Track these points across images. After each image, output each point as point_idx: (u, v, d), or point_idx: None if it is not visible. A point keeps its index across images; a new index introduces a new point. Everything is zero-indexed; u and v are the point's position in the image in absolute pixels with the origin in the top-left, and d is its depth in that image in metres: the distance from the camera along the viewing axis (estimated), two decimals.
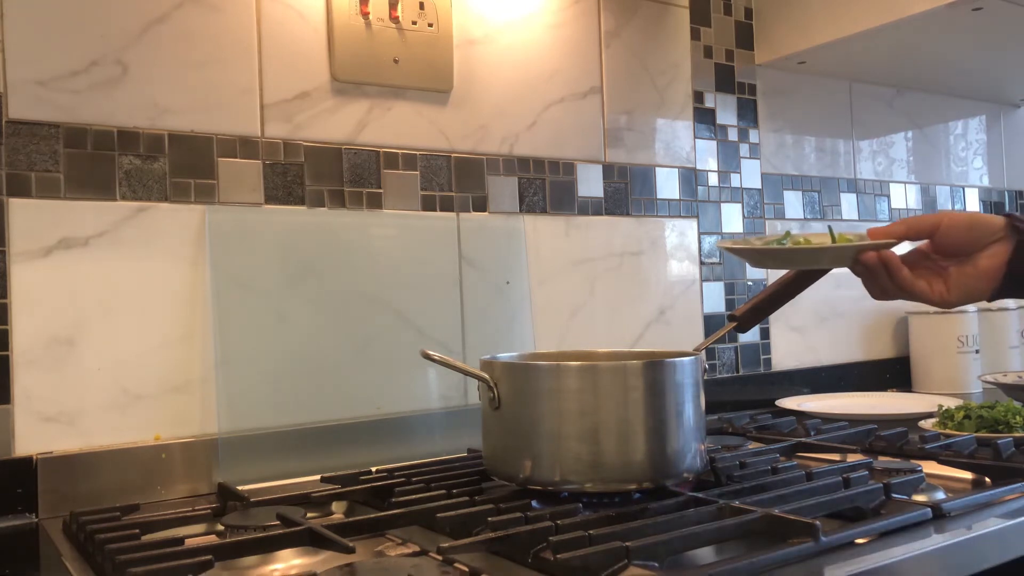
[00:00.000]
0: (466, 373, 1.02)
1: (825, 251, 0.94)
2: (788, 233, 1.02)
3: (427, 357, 1.00)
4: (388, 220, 1.35)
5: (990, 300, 0.92)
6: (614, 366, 0.96)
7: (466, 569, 0.75)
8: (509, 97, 1.48)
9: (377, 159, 1.35)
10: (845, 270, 0.96)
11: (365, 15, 1.32)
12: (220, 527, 0.92)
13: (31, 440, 1.08)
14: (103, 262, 1.14)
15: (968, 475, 1.09)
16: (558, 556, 0.73)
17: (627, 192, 1.61)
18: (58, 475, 1.07)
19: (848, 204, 1.99)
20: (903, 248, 0.95)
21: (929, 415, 1.45)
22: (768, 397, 1.74)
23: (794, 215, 1.89)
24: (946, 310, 1.86)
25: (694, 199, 1.71)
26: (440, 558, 0.78)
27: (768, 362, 1.81)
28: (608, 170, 1.59)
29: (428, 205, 1.39)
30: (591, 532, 0.77)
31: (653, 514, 0.86)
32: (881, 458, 1.15)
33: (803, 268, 1.02)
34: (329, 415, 1.25)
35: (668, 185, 1.67)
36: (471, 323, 1.39)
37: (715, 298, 1.73)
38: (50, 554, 0.92)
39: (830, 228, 0.99)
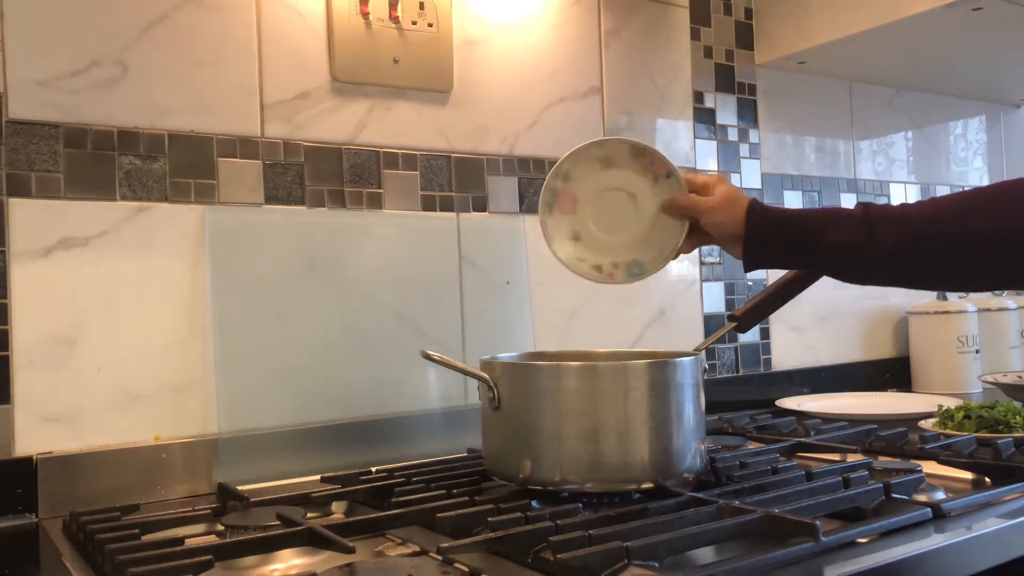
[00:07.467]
0: (466, 373, 1.03)
1: None
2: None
3: (427, 357, 1.00)
4: (388, 220, 1.35)
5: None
6: (614, 366, 0.96)
7: (466, 569, 0.75)
8: (509, 97, 1.48)
9: (377, 159, 1.35)
10: None
11: (365, 15, 1.31)
12: (220, 527, 0.92)
13: (31, 440, 1.08)
14: (103, 262, 1.14)
15: (968, 475, 1.09)
16: (558, 556, 0.73)
17: None
18: (58, 475, 1.07)
19: (848, 204, 1.99)
20: None
21: (929, 415, 1.45)
22: (768, 397, 1.73)
23: None
24: (946, 310, 1.90)
25: None
26: (440, 558, 0.78)
27: (768, 362, 1.81)
28: None
29: (428, 205, 1.39)
30: (591, 532, 0.77)
31: (653, 514, 0.86)
32: (881, 458, 1.15)
33: None
34: (329, 415, 1.25)
35: None
36: (471, 323, 1.39)
37: (715, 298, 1.73)
38: (50, 554, 0.92)
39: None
